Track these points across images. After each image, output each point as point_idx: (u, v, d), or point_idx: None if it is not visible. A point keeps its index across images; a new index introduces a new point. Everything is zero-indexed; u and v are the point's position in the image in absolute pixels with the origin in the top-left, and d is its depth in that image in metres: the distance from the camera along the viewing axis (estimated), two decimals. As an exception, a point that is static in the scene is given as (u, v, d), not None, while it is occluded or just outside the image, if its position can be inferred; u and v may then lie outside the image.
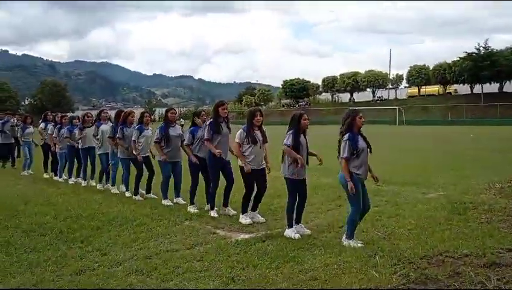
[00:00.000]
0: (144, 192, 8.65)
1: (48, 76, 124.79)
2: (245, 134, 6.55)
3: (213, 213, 7.04)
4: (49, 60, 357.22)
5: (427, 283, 4.17)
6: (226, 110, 7.18)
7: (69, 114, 14.06)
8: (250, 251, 5.24)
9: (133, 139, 8.38)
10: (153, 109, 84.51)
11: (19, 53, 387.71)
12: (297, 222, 6.09)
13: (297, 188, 6.07)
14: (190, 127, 7.76)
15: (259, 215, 6.75)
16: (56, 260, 5.01)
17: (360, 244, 5.38)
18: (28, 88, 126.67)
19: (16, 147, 15.24)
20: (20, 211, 7.43)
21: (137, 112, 9.60)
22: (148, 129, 8.59)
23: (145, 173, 8.66)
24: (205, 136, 7.01)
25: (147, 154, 8.62)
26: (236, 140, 6.59)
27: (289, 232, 5.87)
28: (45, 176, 11.90)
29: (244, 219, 6.59)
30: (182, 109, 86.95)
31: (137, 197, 8.46)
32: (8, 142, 14.29)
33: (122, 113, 9.06)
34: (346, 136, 5.44)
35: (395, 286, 4.11)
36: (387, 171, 10.45)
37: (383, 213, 7.07)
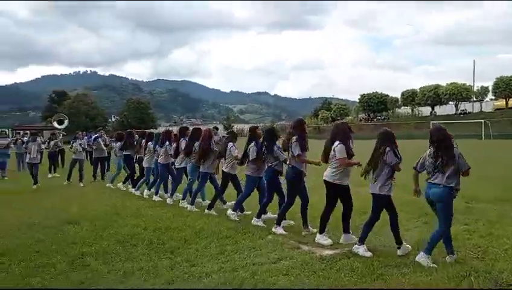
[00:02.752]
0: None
1: (132, 94, 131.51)
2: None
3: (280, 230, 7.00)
4: (134, 79, 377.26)
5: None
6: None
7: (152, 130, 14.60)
8: (336, 267, 5.19)
9: (234, 154, 8.38)
10: (231, 125, 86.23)
11: (107, 73, 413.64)
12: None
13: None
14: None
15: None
16: (149, 269, 5.25)
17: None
18: (114, 106, 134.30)
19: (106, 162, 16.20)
20: (113, 222, 7.85)
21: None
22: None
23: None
24: (298, 152, 6.87)
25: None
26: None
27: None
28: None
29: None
30: (258, 125, 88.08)
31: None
32: (99, 156, 15.16)
33: (204, 130, 9.48)
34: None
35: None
36: (476, 187, 9.96)
37: (474, 232, 6.76)
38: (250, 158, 7.78)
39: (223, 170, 8.68)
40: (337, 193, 6.41)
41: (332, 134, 6.48)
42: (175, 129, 11.64)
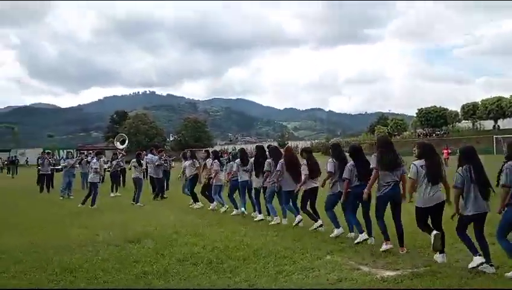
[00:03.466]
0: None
1: (189, 113, 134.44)
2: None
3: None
4: (190, 98, 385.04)
5: None
6: None
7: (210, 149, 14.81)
8: (398, 289, 5.06)
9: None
10: (286, 142, 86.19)
11: (164, 93, 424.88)
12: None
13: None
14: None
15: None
16: (209, 289, 5.31)
17: None
18: (172, 125, 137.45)
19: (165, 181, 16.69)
20: (172, 241, 8.01)
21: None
22: None
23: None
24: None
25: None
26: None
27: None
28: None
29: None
30: (312, 141, 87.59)
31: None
32: (156, 177, 15.64)
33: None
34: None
35: None
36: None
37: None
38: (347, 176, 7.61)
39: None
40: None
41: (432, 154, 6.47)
42: (230, 147, 11.95)
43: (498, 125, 68.35)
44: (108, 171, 17.80)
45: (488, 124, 70.81)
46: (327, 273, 5.76)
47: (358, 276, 5.63)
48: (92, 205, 13.47)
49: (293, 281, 5.46)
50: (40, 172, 19.95)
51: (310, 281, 5.42)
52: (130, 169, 15.37)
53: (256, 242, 7.62)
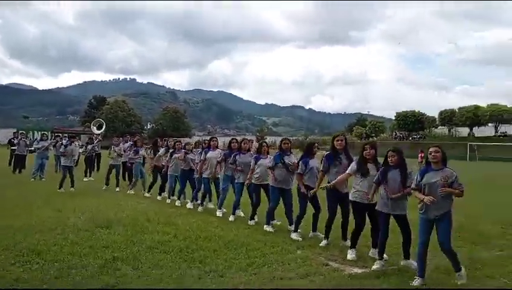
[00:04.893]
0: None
1: (169, 103, 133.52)
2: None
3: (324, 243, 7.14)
4: (171, 88, 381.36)
5: None
6: (340, 142, 7.26)
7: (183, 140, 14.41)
8: (366, 286, 5.13)
9: (251, 167, 8.82)
10: (264, 137, 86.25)
11: (145, 81, 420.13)
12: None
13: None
14: (302, 158, 7.86)
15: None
16: (177, 277, 5.31)
17: None
18: (151, 114, 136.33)
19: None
20: (144, 229, 7.95)
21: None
22: (266, 158, 8.78)
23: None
24: (320, 168, 7.35)
25: (266, 183, 8.71)
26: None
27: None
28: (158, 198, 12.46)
29: (350, 254, 6.45)
30: (291, 138, 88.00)
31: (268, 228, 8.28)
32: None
33: (237, 141, 9.85)
34: None
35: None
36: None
37: (509, 258, 6.56)
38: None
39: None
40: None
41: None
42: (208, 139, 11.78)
43: (473, 133, 69.72)
44: (83, 155, 17.57)
45: (464, 131, 72.16)
46: (297, 267, 5.82)
47: (327, 271, 5.70)
48: (59, 188, 13.39)
49: (262, 274, 5.49)
50: (16, 152, 19.54)
51: (279, 275, 5.45)
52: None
53: (228, 234, 7.63)
